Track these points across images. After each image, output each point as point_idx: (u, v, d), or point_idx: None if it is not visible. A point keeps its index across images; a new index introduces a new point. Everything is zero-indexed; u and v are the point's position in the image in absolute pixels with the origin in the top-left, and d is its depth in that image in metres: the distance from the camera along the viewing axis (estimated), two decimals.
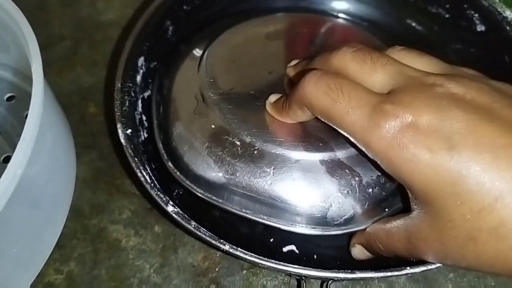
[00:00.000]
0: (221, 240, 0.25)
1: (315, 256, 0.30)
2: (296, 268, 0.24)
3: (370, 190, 0.28)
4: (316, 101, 0.23)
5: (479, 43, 0.35)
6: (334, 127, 0.23)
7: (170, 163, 0.30)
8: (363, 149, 0.22)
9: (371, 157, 0.22)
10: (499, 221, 0.18)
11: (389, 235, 0.24)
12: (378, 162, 0.22)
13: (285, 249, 0.30)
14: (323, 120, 0.24)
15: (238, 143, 0.28)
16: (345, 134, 0.23)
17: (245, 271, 0.31)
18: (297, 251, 0.30)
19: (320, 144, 0.28)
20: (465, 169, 0.19)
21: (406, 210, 0.24)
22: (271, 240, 0.30)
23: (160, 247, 0.32)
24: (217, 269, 0.31)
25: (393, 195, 0.28)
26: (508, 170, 0.18)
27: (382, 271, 0.24)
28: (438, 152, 0.19)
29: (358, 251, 0.27)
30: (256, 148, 0.28)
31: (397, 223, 0.24)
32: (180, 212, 0.25)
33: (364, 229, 0.27)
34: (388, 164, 0.21)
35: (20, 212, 0.25)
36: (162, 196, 0.26)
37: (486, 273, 0.21)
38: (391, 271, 0.24)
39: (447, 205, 0.20)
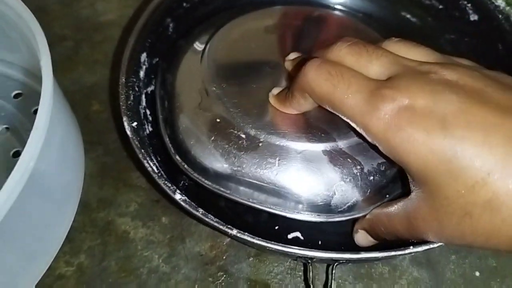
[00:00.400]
0: (229, 226, 0.25)
1: (319, 242, 0.31)
2: (302, 250, 0.25)
3: (372, 177, 0.28)
4: (317, 87, 0.24)
5: (472, 33, 0.36)
6: (335, 112, 0.24)
7: (177, 156, 0.30)
8: (363, 132, 0.23)
9: (370, 140, 0.23)
10: (491, 195, 0.19)
11: (390, 218, 0.25)
12: (377, 145, 0.23)
13: (290, 236, 0.31)
14: (324, 106, 0.25)
15: (243, 136, 0.29)
16: (345, 118, 0.24)
17: (251, 259, 0.32)
18: (302, 238, 0.31)
19: (322, 134, 0.29)
20: (459, 146, 0.20)
21: (405, 195, 0.25)
22: (276, 227, 0.31)
23: (168, 238, 0.33)
24: (224, 257, 0.32)
25: (393, 181, 0.29)
26: (500, 146, 0.19)
27: (386, 251, 0.25)
28: (432, 132, 0.20)
29: (361, 237, 0.28)
30: (260, 140, 0.28)
31: (397, 206, 0.25)
32: (188, 200, 0.26)
33: (366, 215, 0.28)
34: (386, 146, 0.22)
35: (33, 203, 0.25)
36: (170, 185, 0.26)
37: (482, 248, 0.21)
38: (395, 250, 0.25)
39: (443, 182, 0.20)
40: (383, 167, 0.29)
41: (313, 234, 0.31)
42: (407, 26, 0.39)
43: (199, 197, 0.30)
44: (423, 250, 0.24)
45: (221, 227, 0.25)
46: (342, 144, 0.28)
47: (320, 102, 0.25)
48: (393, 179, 0.29)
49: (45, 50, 0.25)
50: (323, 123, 0.29)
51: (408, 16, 0.39)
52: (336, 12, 0.38)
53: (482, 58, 0.27)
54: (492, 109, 0.20)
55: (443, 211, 0.21)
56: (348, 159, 0.28)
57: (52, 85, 0.24)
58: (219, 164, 0.29)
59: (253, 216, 0.32)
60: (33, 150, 0.22)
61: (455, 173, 0.20)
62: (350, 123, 0.24)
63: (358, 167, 0.28)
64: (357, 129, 0.23)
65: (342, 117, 0.24)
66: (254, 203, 0.29)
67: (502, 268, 0.31)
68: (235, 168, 0.29)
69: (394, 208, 0.25)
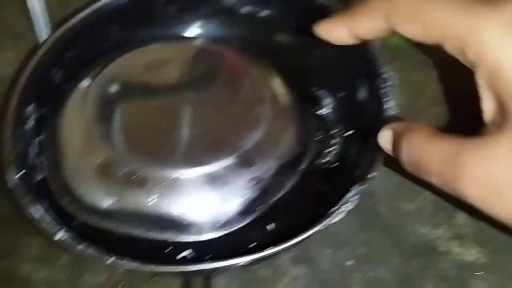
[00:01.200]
0: (106, 256, 0.27)
1: (210, 256, 0.32)
2: (162, 267, 0.27)
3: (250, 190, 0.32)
4: None
5: None
6: None
7: (64, 199, 0.32)
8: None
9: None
10: None
11: (425, 151, 0.23)
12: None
13: (179, 256, 0.32)
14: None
15: (127, 171, 0.31)
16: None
17: (145, 284, 0.34)
18: (194, 253, 0.32)
19: (200, 159, 0.32)
20: None
21: None
22: (170, 248, 0.33)
23: (67, 276, 0.34)
24: (119, 286, 0.34)
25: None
26: None
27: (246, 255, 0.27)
28: None
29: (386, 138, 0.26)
30: (145, 174, 0.31)
31: (446, 144, 0.22)
32: (66, 237, 0.28)
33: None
34: None
35: None
36: (51, 227, 0.29)
37: None
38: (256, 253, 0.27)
39: None
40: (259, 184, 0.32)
41: (204, 250, 0.33)
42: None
43: (94, 233, 0.32)
44: (295, 243, 0.27)
45: (98, 256, 0.27)
46: (217, 166, 0.32)
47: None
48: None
49: None
50: (201, 150, 0.32)
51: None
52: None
53: None
54: None
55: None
56: (226, 179, 0.32)
57: None
58: (103, 201, 0.31)
59: (146, 243, 0.33)
60: None
61: None
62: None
63: (234, 186, 0.32)
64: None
65: None
66: (143, 234, 0.31)
67: (372, 255, 0.34)
68: (120, 205, 0.31)
69: (438, 143, 0.23)
